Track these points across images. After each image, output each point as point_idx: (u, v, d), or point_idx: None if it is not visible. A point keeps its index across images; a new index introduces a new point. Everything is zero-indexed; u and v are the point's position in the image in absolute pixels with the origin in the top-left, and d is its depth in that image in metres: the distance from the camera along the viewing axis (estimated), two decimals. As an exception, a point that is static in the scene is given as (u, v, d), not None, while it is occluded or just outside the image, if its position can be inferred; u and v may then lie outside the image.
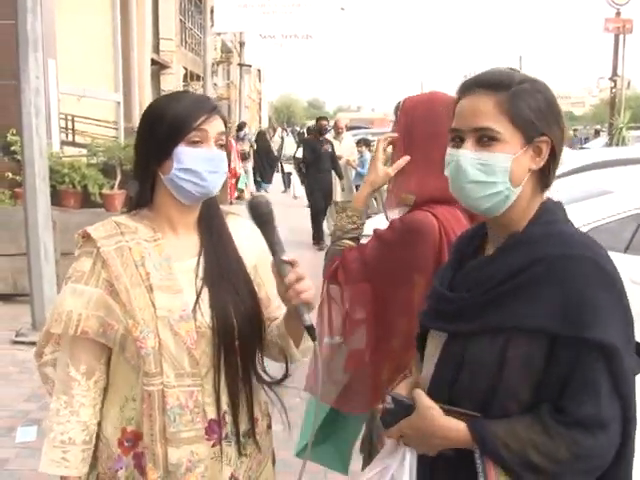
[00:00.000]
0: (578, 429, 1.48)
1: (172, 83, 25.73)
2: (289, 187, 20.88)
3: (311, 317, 1.78)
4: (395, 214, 2.47)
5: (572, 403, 1.49)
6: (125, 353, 1.90)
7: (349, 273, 2.40)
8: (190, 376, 1.88)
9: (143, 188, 1.95)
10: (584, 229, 4.69)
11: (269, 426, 2.14)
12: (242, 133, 21.48)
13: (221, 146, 1.91)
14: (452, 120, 1.74)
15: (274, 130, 26.34)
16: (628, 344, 1.54)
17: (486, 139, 1.61)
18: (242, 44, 29.44)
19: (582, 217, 4.68)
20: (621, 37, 34.98)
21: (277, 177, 22.26)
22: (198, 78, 32.29)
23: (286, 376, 2.02)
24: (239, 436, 1.97)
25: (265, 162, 21.09)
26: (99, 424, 1.96)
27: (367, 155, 12.81)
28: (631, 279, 4.10)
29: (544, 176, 1.67)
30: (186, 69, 29.17)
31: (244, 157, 20.10)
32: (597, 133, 35.75)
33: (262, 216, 1.77)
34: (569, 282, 1.52)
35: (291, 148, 22.11)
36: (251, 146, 20.90)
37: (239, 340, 1.94)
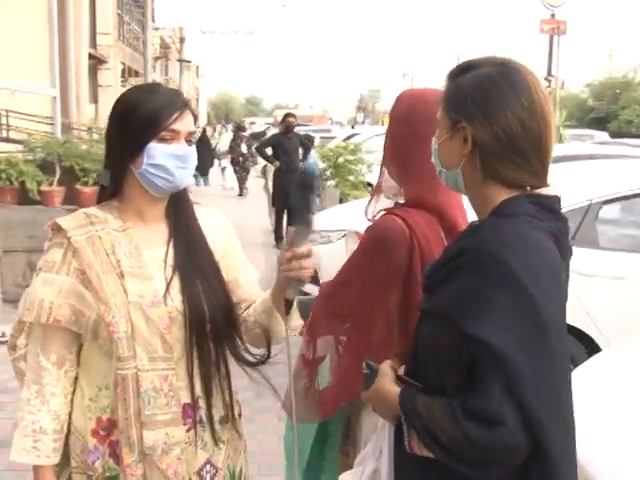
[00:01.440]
0: (471, 419, 1.50)
1: (110, 78, 25.32)
2: (225, 181, 22.00)
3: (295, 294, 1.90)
4: (384, 204, 2.46)
5: (470, 394, 1.53)
6: (98, 340, 1.91)
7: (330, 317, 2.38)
8: (164, 360, 1.91)
9: (114, 179, 1.99)
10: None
11: (239, 414, 2.16)
12: None
13: (190, 142, 1.97)
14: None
15: (214, 128, 26.33)
16: (533, 347, 1.52)
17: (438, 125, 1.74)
18: (182, 40, 29.13)
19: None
20: (555, 38, 35.83)
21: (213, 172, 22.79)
22: (136, 74, 31.88)
23: (269, 356, 2.07)
24: (213, 422, 2.00)
25: (205, 158, 21.22)
26: (70, 417, 1.96)
27: (312, 152, 12.76)
28: (576, 270, 4.15)
29: (487, 168, 1.65)
30: (124, 64, 28.72)
31: None
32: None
33: (306, 184, 1.80)
34: (473, 275, 1.55)
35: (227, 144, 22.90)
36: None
37: (210, 325, 1.98)
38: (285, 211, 11.54)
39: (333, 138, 20.74)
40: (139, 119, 1.89)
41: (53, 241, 1.97)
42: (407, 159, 2.31)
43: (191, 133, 1.96)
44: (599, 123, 38.76)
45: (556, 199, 1.70)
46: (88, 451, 1.94)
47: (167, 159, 1.90)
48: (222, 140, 24.52)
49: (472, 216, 1.85)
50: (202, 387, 1.99)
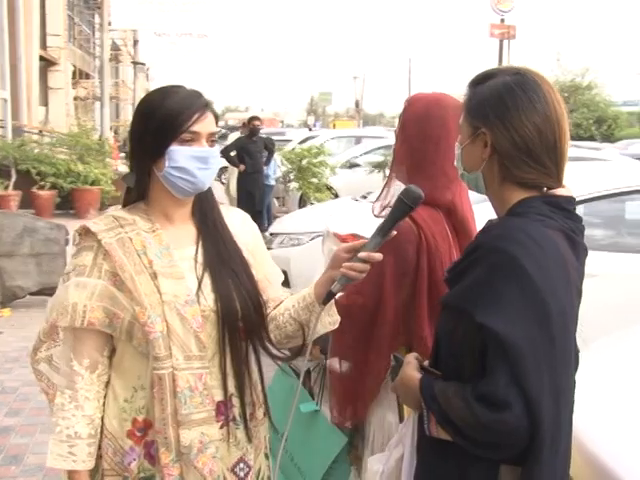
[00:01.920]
0: (481, 403, 1.59)
1: (60, 80, 24.88)
2: None
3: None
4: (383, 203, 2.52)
5: (482, 381, 1.62)
6: (133, 341, 1.91)
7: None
8: (198, 359, 1.92)
9: (140, 181, 1.99)
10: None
11: (264, 414, 2.15)
12: None
13: (212, 142, 1.96)
14: (447, 124, 2.11)
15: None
16: (538, 336, 1.60)
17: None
18: (136, 42, 28.81)
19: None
20: (505, 42, 36.42)
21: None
22: (87, 76, 31.47)
23: (303, 346, 2.05)
24: (246, 419, 2.02)
25: None
26: (102, 419, 1.96)
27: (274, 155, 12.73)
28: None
29: (504, 170, 1.74)
30: (75, 66, 28.27)
31: None
32: (483, 134, 37.04)
33: (405, 203, 1.86)
34: (484, 269, 1.64)
35: None
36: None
37: (243, 322, 1.99)
38: (251, 213, 11.47)
39: (288, 141, 20.80)
40: (159, 122, 1.89)
41: (82, 245, 1.97)
42: (419, 158, 2.41)
43: (212, 134, 1.95)
44: (548, 126, 39.41)
45: (570, 199, 1.78)
46: (124, 453, 1.93)
47: (188, 161, 1.90)
48: None
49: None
50: (235, 384, 1.99)
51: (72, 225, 3.12)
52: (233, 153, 12.09)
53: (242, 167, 11.83)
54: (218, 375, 1.96)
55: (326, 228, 5.88)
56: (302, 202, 13.46)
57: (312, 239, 7.05)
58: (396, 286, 2.34)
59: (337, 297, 1.99)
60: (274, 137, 14.16)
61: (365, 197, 8.44)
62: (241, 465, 2.02)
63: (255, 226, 2.21)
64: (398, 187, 2.51)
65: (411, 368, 1.84)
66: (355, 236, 5.29)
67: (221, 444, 1.95)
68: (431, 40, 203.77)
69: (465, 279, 1.69)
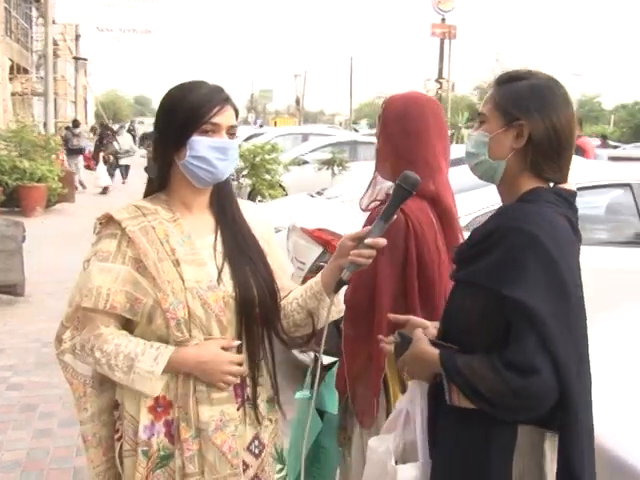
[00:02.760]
0: (512, 369, 1.73)
1: (-2, 75, 24.25)
2: (126, 178, 22.50)
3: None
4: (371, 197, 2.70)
5: (509, 350, 1.76)
6: (152, 325, 1.99)
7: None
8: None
9: (161, 172, 2.09)
10: (468, 218, 4.92)
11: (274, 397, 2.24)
12: (78, 130, 21.15)
13: (232, 135, 2.05)
14: (426, 120, 2.35)
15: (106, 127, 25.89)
16: (559, 307, 1.77)
17: (480, 122, 2.00)
18: (78, 36, 28.30)
19: (467, 207, 4.88)
20: (446, 42, 36.93)
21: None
22: (25, 71, 30.73)
23: (313, 333, 2.16)
24: (257, 400, 2.11)
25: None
26: (123, 403, 2.07)
27: None
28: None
29: (533, 160, 1.92)
30: (12, 61, 27.58)
31: (80, 152, 20.43)
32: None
33: (402, 188, 1.97)
34: (506, 248, 1.80)
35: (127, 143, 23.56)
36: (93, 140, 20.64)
37: (259, 309, 2.08)
38: None
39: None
40: (182, 113, 1.99)
41: (104, 232, 2.04)
42: (403, 153, 2.56)
43: (232, 127, 2.04)
44: (488, 124, 40.02)
45: (573, 193, 1.98)
46: (144, 427, 2.01)
47: (208, 151, 1.99)
48: (124, 140, 24.36)
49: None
50: (250, 367, 2.08)
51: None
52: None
53: None
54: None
55: (292, 223, 5.95)
56: (251, 199, 13.48)
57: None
58: (389, 273, 2.45)
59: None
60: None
61: (320, 193, 8.54)
62: (256, 443, 2.12)
63: (268, 219, 2.31)
64: (384, 183, 2.68)
65: (424, 343, 1.96)
66: (322, 230, 5.39)
67: (240, 424, 2.05)
68: (373, 39, 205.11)
69: (485, 258, 1.83)
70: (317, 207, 7.24)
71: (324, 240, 5.23)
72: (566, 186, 1.97)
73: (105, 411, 2.16)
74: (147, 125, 45.63)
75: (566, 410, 1.77)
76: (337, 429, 2.73)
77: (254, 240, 2.15)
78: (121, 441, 2.08)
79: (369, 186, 2.73)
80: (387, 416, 2.50)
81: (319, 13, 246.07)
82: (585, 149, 11.51)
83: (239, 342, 2.04)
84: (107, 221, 2.04)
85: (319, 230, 5.33)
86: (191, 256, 2.01)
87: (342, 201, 6.74)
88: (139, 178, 22.91)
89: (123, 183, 22.18)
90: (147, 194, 2.14)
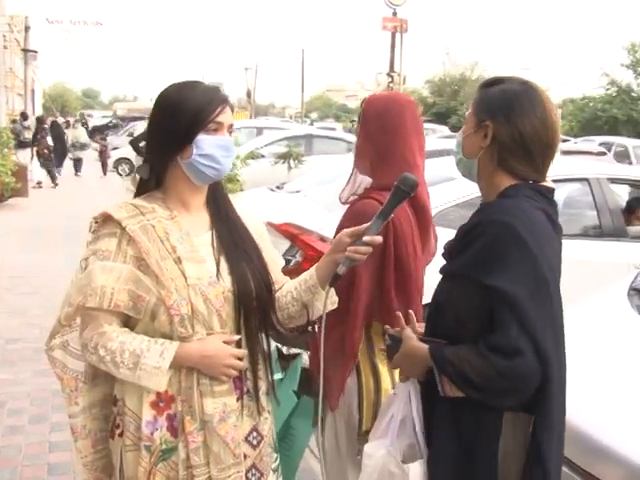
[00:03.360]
0: (497, 353, 1.86)
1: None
2: (79, 171, 22.47)
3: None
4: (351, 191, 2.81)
5: (493, 335, 1.88)
6: (155, 322, 2.03)
7: None
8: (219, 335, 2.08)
9: (158, 171, 2.13)
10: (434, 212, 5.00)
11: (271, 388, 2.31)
12: (27, 123, 20.80)
13: (230, 132, 2.13)
14: (404, 118, 2.59)
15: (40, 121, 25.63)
16: (537, 294, 1.89)
17: (463, 121, 2.17)
18: (27, 28, 27.72)
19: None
20: (398, 36, 37.04)
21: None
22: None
23: (308, 324, 2.24)
24: (258, 392, 2.17)
25: (59, 149, 21.43)
26: (123, 399, 2.10)
27: None
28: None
29: (500, 159, 2.05)
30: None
31: (26, 145, 20.01)
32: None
33: (401, 189, 2.07)
34: (486, 239, 1.92)
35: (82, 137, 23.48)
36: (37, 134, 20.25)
37: (256, 302, 2.14)
38: None
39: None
40: (187, 113, 2.04)
41: (102, 231, 2.07)
42: (382, 150, 2.67)
43: (231, 125, 2.12)
44: (440, 118, 40.62)
45: (551, 189, 2.10)
46: (146, 422, 2.04)
47: (215, 149, 2.06)
48: (79, 133, 24.15)
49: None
50: (250, 360, 2.15)
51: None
52: (142, 144, 11.95)
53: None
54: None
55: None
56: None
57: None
58: (365, 265, 2.49)
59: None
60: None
61: (280, 187, 8.59)
62: (254, 434, 2.17)
63: (259, 215, 2.38)
64: (363, 178, 2.78)
65: (414, 340, 2.08)
66: (289, 224, 5.45)
67: (239, 415, 2.11)
68: (324, 32, 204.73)
69: (468, 251, 1.95)
70: (280, 201, 7.29)
71: (291, 234, 5.29)
72: (545, 183, 2.08)
73: (96, 405, 2.19)
74: (96, 118, 44.96)
75: (543, 393, 1.88)
76: (312, 410, 2.82)
77: (249, 235, 2.22)
78: (123, 437, 2.10)
79: (349, 180, 2.83)
80: (359, 399, 2.64)
81: (271, 5, 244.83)
82: None
83: (239, 337, 2.10)
84: (104, 220, 2.07)
85: (286, 224, 5.39)
86: (191, 253, 2.06)
87: (305, 195, 6.82)
88: (93, 171, 22.77)
89: (76, 175, 22.13)
90: (139, 194, 2.16)
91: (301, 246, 5.18)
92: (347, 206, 2.76)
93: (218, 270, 2.09)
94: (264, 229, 2.35)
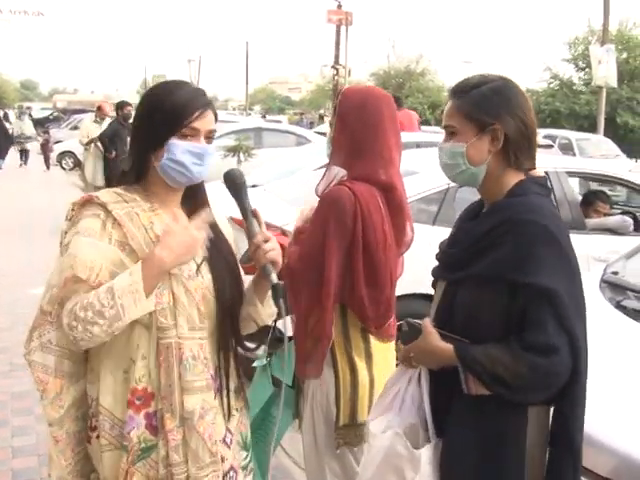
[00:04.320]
0: (533, 352, 1.91)
1: None
2: (25, 164, 22.65)
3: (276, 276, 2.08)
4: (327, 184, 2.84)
5: (528, 333, 1.93)
6: None
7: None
8: (199, 330, 2.05)
9: (138, 166, 2.10)
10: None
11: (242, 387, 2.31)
12: None
13: (210, 139, 2.09)
14: (381, 112, 2.64)
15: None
16: (571, 288, 1.98)
17: (450, 133, 2.12)
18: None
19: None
20: (343, 28, 37.08)
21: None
22: None
23: (262, 343, 2.27)
24: (229, 391, 2.15)
25: (2, 141, 20.90)
26: (97, 398, 2.04)
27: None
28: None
29: (512, 157, 2.08)
30: None
31: None
32: (321, 118, 37.53)
33: (237, 185, 2.10)
34: (520, 239, 1.96)
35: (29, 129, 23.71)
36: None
37: (231, 302, 2.14)
38: None
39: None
40: (162, 115, 2.01)
41: (84, 213, 2.02)
42: (359, 143, 2.70)
43: (211, 131, 2.07)
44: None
45: (545, 179, 2.17)
46: (123, 422, 2.01)
47: (185, 156, 2.02)
48: (26, 125, 24.12)
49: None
50: (223, 357, 2.13)
51: None
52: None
53: (114, 154, 11.51)
54: (211, 348, 2.10)
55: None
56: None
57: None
58: (336, 247, 2.60)
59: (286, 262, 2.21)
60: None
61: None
62: (227, 434, 2.15)
63: (228, 219, 2.36)
64: (338, 170, 2.82)
65: (436, 339, 2.07)
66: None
67: (217, 413, 2.09)
68: (269, 24, 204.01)
69: (496, 252, 1.98)
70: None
71: (255, 230, 5.23)
72: (537, 173, 2.14)
73: (74, 405, 2.12)
74: (35, 110, 43.96)
75: (575, 385, 1.96)
76: (294, 398, 2.86)
77: (224, 237, 2.22)
78: (99, 438, 2.05)
79: (324, 175, 2.86)
80: (336, 393, 2.67)
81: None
82: (402, 123, 11.43)
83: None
84: (83, 204, 2.04)
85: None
86: None
87: (265, 189, 6.76)
88: (36, 165, 22.32)
89: (20, 166, 22.23)
90: (119, 185, 2.12)
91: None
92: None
93: (198, 267, 2.07)
94: (232, 233, 2.31)
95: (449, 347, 2.03)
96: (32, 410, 4.58)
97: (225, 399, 2.14)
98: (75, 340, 1.94)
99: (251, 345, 2.26)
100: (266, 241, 2.07)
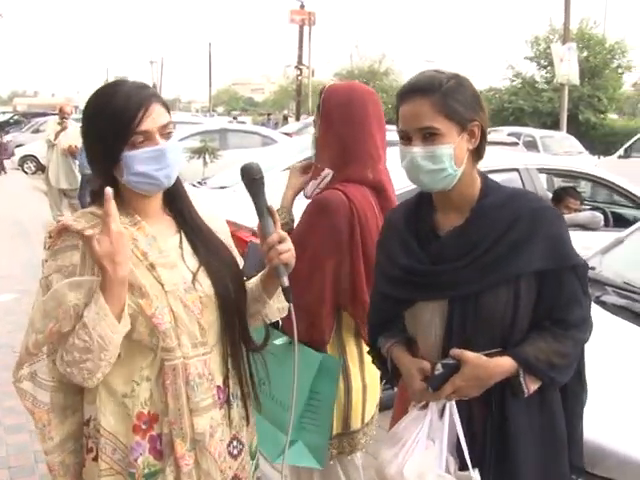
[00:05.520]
0: (574, 329, 1.99)
1: None
2: None
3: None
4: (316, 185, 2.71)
5: (566, 313, 1.99)
6: (133, 334, 1.85)
7: None
8: (202, 345, 1.93)
9: (106, 184, 1.85)
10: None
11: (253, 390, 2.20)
12: None
13: (168, 134, 1.87)
14: (367, 109, 2.56)
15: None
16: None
17: (429, 135, 1.94)
18: None
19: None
20: (306, 28, 37.10)
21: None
22: None
23: (267, 340, 2.14)
24: (245, 398, 2.06)
25: None
26: (96, 419, 1.91)
27: None
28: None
29: (477, 152, 2.03)
30: None
31: None
32: (285, 119, 37.50)
33: (254, 180, 1.93)
34: (546, 228, 1.97)
35: None
36: None
37: (236, 305, 2.02)
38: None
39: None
40: (106, 127, 1.82)
41: (61, 245, 1.87)
42: (346, 141, 2.60)
43: (164, 126, 1.85)
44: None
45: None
46: (130, 449, 1.88)
47: (144, 165, 1.83)
48: None
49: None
50: (233, 366, 2.02)
51: None
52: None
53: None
54: (217, 358, 1.98)
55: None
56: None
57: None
58: (329, 250, 2.51)
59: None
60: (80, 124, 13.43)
61: (202, 183, 8.42)
62: (234, 443, 2.04)
63: (219, 214, 2.21)
64: (328, 172, 2.67)
65: (486, 360, 1.95)
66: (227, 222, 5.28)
67: (224, 427, 1.98)
68: (232, 25, 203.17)
69: (529, 245, 1.95)
70: (209, 198, 7.11)
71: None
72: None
73: (70, 438, 1.99)
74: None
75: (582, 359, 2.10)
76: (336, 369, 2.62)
77: (216, 236, 2.07)
78: (97, 461, 1.90)
79: (311, 174, 2.73)
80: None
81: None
82: None
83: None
84: (59, 232, 1.87)
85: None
86: (162, 259, 1.91)
87: (234, 191, 6.67)
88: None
89: None
90: (94, 203, 1.95)
91: (239, 244, 5.03)
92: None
93: (194, 275, 1.95)
94: (225, 229, 2.17)
95: (505, 361, 1.96)
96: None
97: (243, 408, 2.05)
98: (82, 382, 1.84)
99: (258, 343, 2.14)
100: (280, 241, 1.92)
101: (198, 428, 1.89)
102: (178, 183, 2.01)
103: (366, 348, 2.60)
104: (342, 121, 2.59)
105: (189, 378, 1.88)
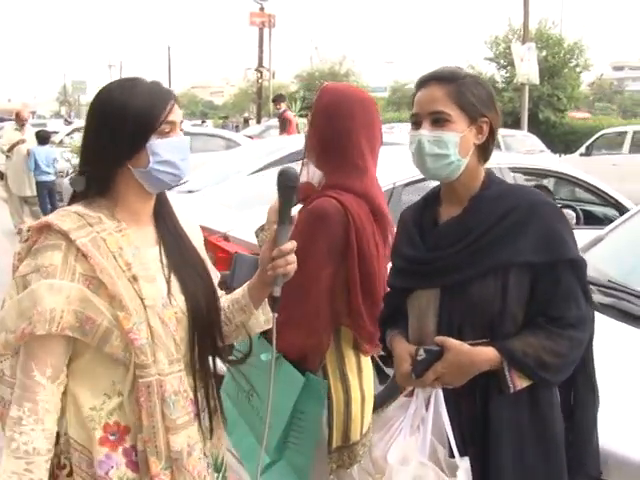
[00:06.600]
0: (570, 328, 1.96)
1: None
2: None
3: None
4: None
5: (562, 310, 1.97)
6: (105, 348, 1.81)
7: None
8: (177, 361, 1.88)
9: (101, 181, 1.88)
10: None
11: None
12: None
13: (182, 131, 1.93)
14: (353, 119, 2.47)
15: None
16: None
17: (439, 120, 2.02)
18: None
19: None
20: (266, 31, 36.99)
21: None
22: None
23: (249, 354, 2.10)
24: (211, 412, 2.01)
25: None
26: (66, 433, 1.85)
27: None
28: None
29: (485, 150, 2.10)
30: None
31: None
32: (246, 121, 37.33)
33: (289, 187, 1.88)
34: (542, 221, 1.98)
35: None
36: None
37: (207, 321, 1.97)
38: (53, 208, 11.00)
39: (55, 133, 19.70)
40: (134, 116, 1.81)
41: (43, 243, 1.80)
42: (329, 150, 2.51)
43: (181, 122, 1.92)
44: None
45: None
46: (99, 462, 1.81)
47: (172, 153, 1.86)
48: None
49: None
50: (202, 381, 1.97)
51: None
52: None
53: None
54: (189, 374, 1.94)
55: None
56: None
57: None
58: (325, 260, 2.43)
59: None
60: (36, 129, 13.07)
61: (170, 188, 8.25)
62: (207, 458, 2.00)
63: (197, 224, 2.17)
64: (315, 169, 2.61)
65: (469, 348, 1.97)
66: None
67: (201, 444, 1.94)
68: (191, 27, 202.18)
69: (521, 237, 1.97)
70: (179, 202, 6.98)
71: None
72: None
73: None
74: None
75: (588, 353, 2.07)
76: (325, 390, 2.53)
77: (194, 249, 2.03)
78: (72, 477, 1.85)
79: (301, 171, 2.62)
80: (329, 412, 2.48)
81: (135, 0, 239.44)
82: (291, 120, 13.76)
83: None
84: (41, 229, 1.81)
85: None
86: (143, 271, 1.85)
87: (204, 195, 6.57)
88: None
89: None
90: (72, 204, 1.90)
91: (211, 249, 4.93)
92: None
93: (169, 290, 1.89)
94: (201, 240, 2.12)
95: (488, 351, 1.96)
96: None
97: (203, 421, 1.97)
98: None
99: (236, 355, 2.13)
100: (291, 251, 1.88)
101: (175, 446, 1.84)
102: (164, 192, 1.99)
103: (364, 358, 2.57)
104: (326, 128, 2.51)
105: (165, 395, 1.83)
